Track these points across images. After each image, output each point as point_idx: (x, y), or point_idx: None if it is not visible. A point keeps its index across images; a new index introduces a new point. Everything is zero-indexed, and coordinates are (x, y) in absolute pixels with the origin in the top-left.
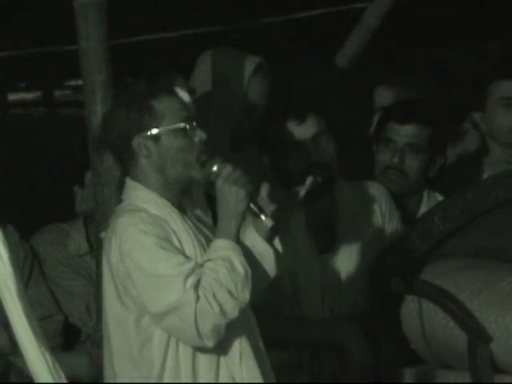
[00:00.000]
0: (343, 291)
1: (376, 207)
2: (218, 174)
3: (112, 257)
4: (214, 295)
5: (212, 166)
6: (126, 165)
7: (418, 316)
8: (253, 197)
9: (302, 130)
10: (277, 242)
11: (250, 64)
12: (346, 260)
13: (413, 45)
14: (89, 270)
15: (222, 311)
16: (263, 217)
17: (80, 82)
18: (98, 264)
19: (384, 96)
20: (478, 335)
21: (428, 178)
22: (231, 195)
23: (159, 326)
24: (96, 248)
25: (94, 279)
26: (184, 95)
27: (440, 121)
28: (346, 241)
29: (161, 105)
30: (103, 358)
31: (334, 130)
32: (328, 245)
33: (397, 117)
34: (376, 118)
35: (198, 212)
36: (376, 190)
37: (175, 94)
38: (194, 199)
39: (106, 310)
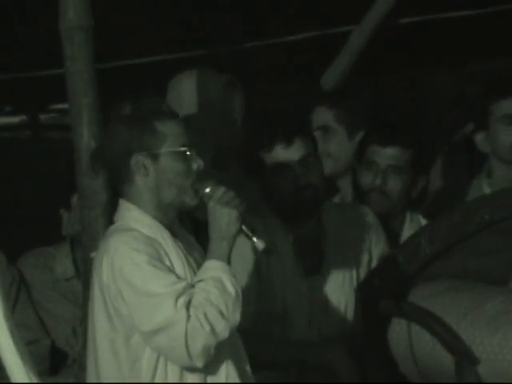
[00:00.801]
0: (330, 313)
1: (363, 229)
2: (210, 195)
3: (103, 276)
4: (206, 315)
5: (205, 188)
6: (121, 183)
7: (405, 338)
8: (245, 218)
9: (290, 152)
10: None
11: (222, 80)
12: (333, 282)
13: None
14: (75, 293)
15: (213, 331)
16: (255, 239)
17: (66, 105)
18: (86, 286)
19: (326, 114)
20: (465, 357)
21: (410, 199)
22: (223, 216)
23: (149, 345)
24: (83, 270)
25: (81, 302)
26: None
27: (421, 142)
28: (333, 263)
29: (164, 127)
30: (87, 379)
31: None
32: (315, 267)
33: (378, 139)
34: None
35: (188, 236)
36: (363, 212)
37: (178, 119)
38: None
39: (96, 331)
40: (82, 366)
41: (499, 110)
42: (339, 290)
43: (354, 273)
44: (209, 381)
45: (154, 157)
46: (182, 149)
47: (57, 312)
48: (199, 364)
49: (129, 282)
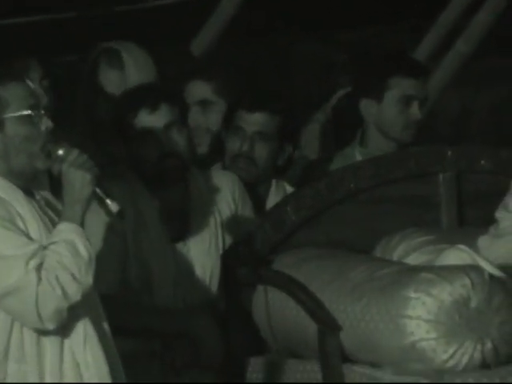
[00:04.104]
0: (196, 280)
1: (229, 196)
2: (63, 158)
3: None
4: (57, 278)
5: (57, 150)
6: None
7: (269, 306)
8: (99, 181)
9: (155, 118)
10: None
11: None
12: (199, 249)
13: (266, 33)
14: None
15: (65, 294)
16: (109, 201)
17: None
18: None
19: (204, 87)
20: (327, 324)
21: (276, 166)
22: (76, 179)
23: (0, 308)
24: None
25: None
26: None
27: (289, 109)
28: (199, 230)
29: (6, 92)
30: None
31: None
32: (181, 234)
33: (246, 105)
34: (197, 110)
35: (48, 196)
36: (228, 178)
37: (23, 81)
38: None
39: None
40: None
41: (398, 89)
42: (204, 256)
43: (220, 239)
44: (67, 343)
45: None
46: (26, 112)
47: None
48: (51, 326)
49: None
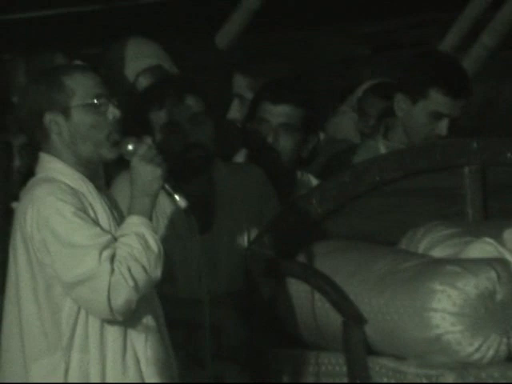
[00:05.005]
0: (220, 272)
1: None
2: (133, 152)
3: (27, 226)
4: (129, 269)
5: (127, 145)
6: (39, 142)
7: (293, 297)
8: (167, 176)
9: (180, 110)
10: None
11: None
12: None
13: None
14: None
15: (136, 286)
16: (177, 197)
17: None
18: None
19: (240, 83)
20: (351, 317)
21: (301, 158)
22: (147, 173)
23: (70, 297)
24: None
25: None
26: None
27: (313, 101)
28: (224, 221)
29: (72, 81)
30: (4, 339)
31: (213, 110)
32: (205, 225)
33: (270, 97)
34: (235, 104)
35: (110, 193)
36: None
37: (90, 71)
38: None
39: (19, 282)
40: None
41: (433, 102)
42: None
43: (245, 231)
44: (129, 334)
45: (65, 113)
46: (92, 101)
47: None
48: (120, 318)
49: (53, 231)
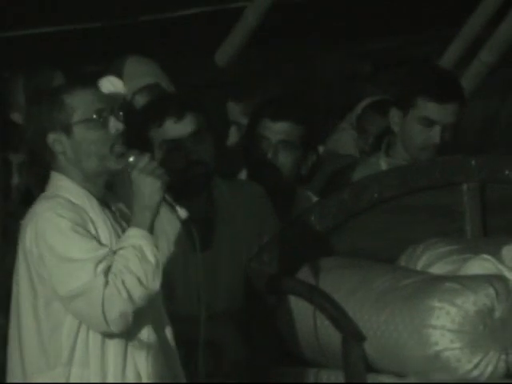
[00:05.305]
0: (220, 289)
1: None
2: (134, 164)
3: (27, 241)
4: (123, 282)
5: (129, 157)
6: (49, 162)
7: (293, 314)
8: (167, 188)
9: (180, 127)
10: None
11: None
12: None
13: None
14: None
15: (130, 298)
16: (178, 208)
17: None
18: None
19: (233, 110)
20: (351, 334)
21: (300, 175)
22: (146, 186)
23: (68, 310)
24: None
25: None
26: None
27: (312, 118)
28: (224, 238)
29: (72, 98)
30: (8, 352)
31: (213, 127)
32: (205, 242)
33: (270, 114)
34: (232, 131)
35: (122, 207)
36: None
37: (89, 87)
38: (120, 195)
39: (20, 297)
40: None
41: (422, 110)
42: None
43: (244, 249)
44: (130, 350)
45: (67, 131)
46: (91, 117)
47: None
48: (116, 330)
49: (51, 246)
